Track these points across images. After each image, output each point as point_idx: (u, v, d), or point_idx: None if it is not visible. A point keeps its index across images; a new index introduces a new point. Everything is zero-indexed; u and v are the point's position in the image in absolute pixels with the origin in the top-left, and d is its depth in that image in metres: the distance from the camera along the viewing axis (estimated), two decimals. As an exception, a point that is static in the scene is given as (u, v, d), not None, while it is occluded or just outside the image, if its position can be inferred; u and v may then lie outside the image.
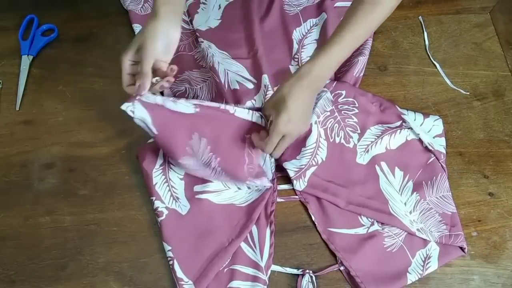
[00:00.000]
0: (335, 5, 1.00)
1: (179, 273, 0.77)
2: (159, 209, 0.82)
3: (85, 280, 0.79)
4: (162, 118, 0.74)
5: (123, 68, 0.72)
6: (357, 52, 0.95)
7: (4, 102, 0.92)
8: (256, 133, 0.79)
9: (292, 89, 0.72)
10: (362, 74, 0.95)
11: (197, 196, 0.82)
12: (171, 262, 0.78)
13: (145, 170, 0.83)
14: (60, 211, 0.83)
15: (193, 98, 0.91)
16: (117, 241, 0.81)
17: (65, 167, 0.87)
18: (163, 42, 0.71)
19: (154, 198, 0.82)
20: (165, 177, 0.83)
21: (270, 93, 0.88)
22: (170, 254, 0.79)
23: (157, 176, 0.83)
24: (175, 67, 0.73)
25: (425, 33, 1.02)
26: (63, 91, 0.94)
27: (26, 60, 0.95)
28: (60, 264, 0.80)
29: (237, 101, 0.88)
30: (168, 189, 0.83)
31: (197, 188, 0.83)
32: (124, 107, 0.71)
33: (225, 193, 0.83)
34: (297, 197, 0.85)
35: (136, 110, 0.72)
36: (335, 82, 0.91)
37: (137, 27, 0.98)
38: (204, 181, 0.83)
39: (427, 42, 1.01)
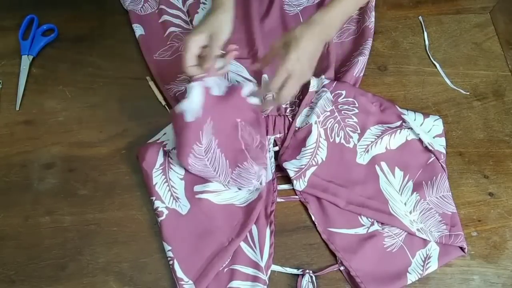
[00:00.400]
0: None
1: (179, 273, 0.77)
2: (159, 209, 0.81)
3: (85, 280, 0.79)
4: (209, 103, 0.77)
5: (190, 48, 0.75)
6: (357, 52, 0.95)
7: (4, 102, 0.92)
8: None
9: (304, 33, 0.74)
10: (362, 74, 0.95)
11: (197, 196, 0.82)
12: (171, 262, 0.78)
13: (145, 170, 0.83)
14: (60, 211, 0.83)
15: None
16: (117, 241, 0.81)
17: (65, 167, 0.87)
18: (229, 32, 0.77)
19: (154, 198, 0.82)
20: (165, 177, 0.83)
21: (270, 93, 0.87)
22: (170, 254, 0.79)
23: (157, 176, 0.83)
24: (233, 46, 0.79)
25: (425, 33, 1.02)
26: (63, 91, 0.94)
27: (26, 60, 0.95)
28: (60, 264, 0.80)
29: None
30: (168, 189, 0.83)
31: (197, 188, 0.83)
32: (192, 86, 0.75)
33: (225, 193, 0.83)
34: (297, 197, 0.85)
35: (195, 90, 0.76)
36: (335, 82, 0.91)
37: (137, 27, 0.98)
38: (204, 181, 0.83)
39: (427, 42, 1.01)
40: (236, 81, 0.91)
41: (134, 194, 0.85)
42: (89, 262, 0.80)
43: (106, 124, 0.91)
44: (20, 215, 0.83)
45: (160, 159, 0.84)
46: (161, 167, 0.84)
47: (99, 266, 0.80)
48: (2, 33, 0.99)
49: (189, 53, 0.75)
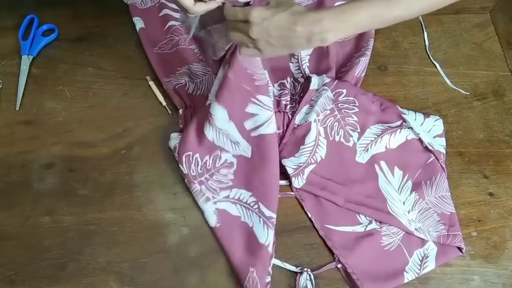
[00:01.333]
0: (335, 5, 1.00)
1: (268, 212, 0.79)
2: (228, 161, 0.83)
3: (85, 280, 0.79)
4: None
5: None
6: (359, 52, 0.96)
7: (4, 102, 0.92)
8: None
9: (297, 12, 0.62)
10: (363, 75, 0.95)
11: (252, 135, 0.82)
12: (255, 207, 0.80)
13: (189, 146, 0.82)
14: (60, 211, 0.83)
15: (192, 92, 0.91)
16: (117, 241, 0.81)
17: (65, 167, 0.87)
18: None
19: (219, 151, 0.82)
20: (215, 130, 0.81)
21: (270, 88, 0.87)
22: (253, 198, 0.81)
23: (210, 132, 0.81)
24: None
25: (425, 33, 1.02)
26: (63, 91, 0.94)
27: (26, 60, 0.95)
28: (60, 264, 0.80)
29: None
30: (225, 138, 0.83)
31: (247, 124, 0.82)
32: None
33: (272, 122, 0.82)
34: (293, 193, 0.85)
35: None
36: (336, 80, 0.91)
37: (137, 20, 0.98)
38: (249, 115, 0.81)
39: (427, 42, 1.01)
40: None
41: (134, 194, 0.85)
42: (89, 262, 0.80)
43: (106, 124, 0.91)
44: (20, 215, 0.83)
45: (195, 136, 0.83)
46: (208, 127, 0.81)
47: (99, 266, 0.80)
48: (2, 33, 0.99)
49: None
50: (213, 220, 0.81)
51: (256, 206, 0.81)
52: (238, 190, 0.83)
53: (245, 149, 0.83)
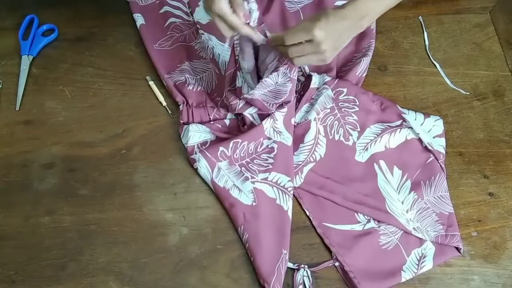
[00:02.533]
0: (335, 4, 1.00)
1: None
2: (269, 146, 0.86)
3: (85, 280, 0.79)
4: None
5: (230, 14, 0.72)
6: (361, 53, 0.96)
7: (4, 102, 0.92)
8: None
9: (336, 13, 0.69)
10: (364, 75, 0.95)
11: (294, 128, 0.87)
12: (292, 192, 0.84)
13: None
14: (60, 211, 0.83)
15: (193, 88, 0.91)
16: (117, 241, 0.81)
17: (65, 167, 0.87)
18: None
19: (262, 138, 0.86)
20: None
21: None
22: (290, 184, 0.83)
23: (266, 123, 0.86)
24: None
25: (425, 33, 1.02)
26: (63, 91, 0.94)
27: (26, 60, 0.95)
28: (60, 264, 0.80)
29: (237, 94, 0.88)
30: (270, 126, 0.86)
31: (292, 120, 0.87)
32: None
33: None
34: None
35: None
36: (337, 79, 0.91)
37: (138, 17, 0.98)
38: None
39: (427, 42, 1.01)
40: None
41: (134, 194, 0.85)
42: (89, 262, 0.80)
43: (106, 124, 0.91)
44: (20, 215, 0.83)
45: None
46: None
47: (99, 266, 0.80)
48: (2, 33, 0.99)
49: (229, 14, 0.72)
50: (249, 199, 0.82)
51: (293, 193, 0.84)
52: (277, 174, 0.84)
53: (286, 138, 0.86)
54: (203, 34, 0.96)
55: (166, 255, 0.80)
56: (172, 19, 0.99)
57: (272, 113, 0.86)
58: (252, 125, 0.87)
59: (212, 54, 0.94)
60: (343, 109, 0.90)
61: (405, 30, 1.02)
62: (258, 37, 0.76)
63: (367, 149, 0.88)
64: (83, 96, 0.93)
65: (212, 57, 0.94)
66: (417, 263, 0.80)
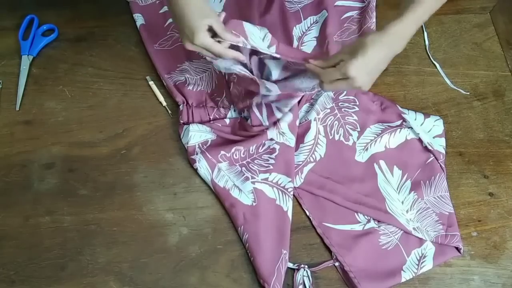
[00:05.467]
0: (335, 4, 1.00)
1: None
2: (271, 147, 0.85)
3: (85, 280, 0.79)
4: None
5: (212, 44, 0.73)
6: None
7: (4, 102, 0.92)
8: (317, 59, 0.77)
9: (375, 41, 0.69)
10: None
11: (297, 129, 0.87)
12: (292, 192, 0.83)
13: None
14: (60, 211, 0.83)
15: (193, 88, 0.91)
16: (117, 241, 0.81)
17: (65, 167, 0.87)
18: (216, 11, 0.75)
19: (264, 140, 0.86)
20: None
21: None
22: (291, 184, 0.83)
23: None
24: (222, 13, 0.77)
25: (425, 33, 1.02)
26: (63, 91, 0.94)
27: (26, 60, 0.95)
28: (60, 264, 0.80)
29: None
30: (276, 128, 0.86)
31: (297, 121, 0.87)
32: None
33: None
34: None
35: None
36: (337, 79, 0.91)
37: (138, 17, 0.98)
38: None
39: (427, 42, 1.01)
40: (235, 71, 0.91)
41: (134, 194, 0.85)
42: (89, 262, 0.80)
43: (106, 124, 0.91)
44: (20, 215, 0.83)
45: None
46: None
47: (99, 266, 0.80)
48: (2, 33, 0.99)
49: (218, 47, 0.73)
50: (249, 199, 0.82)
51: (293, 192, 0.83)
52: (277, 175, 0.84)
53: (289, 139, 0.86)
54: None
55: (166, 255, 0.80)
56: (172, 19, 0.99)
57: (278, 122, 0.86)
58: (258, 125, 0.87)
59: None
60: (343, 109, 0.90)
61: (405, 30, 1.02)
62: (244, 57, 0.77)
63: (367, 149, 0.88)
64: (83, 96, 0.93)
65: None
66: (417, 263, 0.80)
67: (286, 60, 0.80)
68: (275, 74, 0.82)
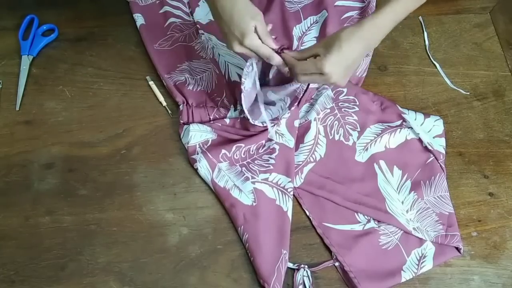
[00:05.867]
0: (335, 4, 1.00)
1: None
2: (271, 147, 0.85)
3: (85, 280, 0.79)
4: None
5: (261, 46, 0.72)
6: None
7: (4, 102, 0.92)
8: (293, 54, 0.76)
9: (350, 36, 0.69)
10: (364, 75, 0.95)
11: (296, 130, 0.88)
12: (292, 193, 0.83)
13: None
14: (60, 211, 0.83)
15: (193, 88, 0.92)
16: (117, 241, 0.81)
17: (65, 167, 0.87)
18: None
19: (264, 141, 0.86)
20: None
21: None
22: (291, 185, 0.83)
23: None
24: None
25: (425, 33, 1.02)
26: (63, 91, 0.94)
27: (26, 60, 0.95)
28: (60, 264, 0.80)
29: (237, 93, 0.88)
30: (274, 126, 0.87)
31: (296, 122, 0.88)
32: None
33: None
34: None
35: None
36: (337, 80, 0.91)
37: (138, 17, 0.98)
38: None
39: (427, 42, 1.01)
40: (237, 73, 0.92)
41: (134, 194, 0.85)
42: (89, 262, 0.80)
43: (106, 124, 0.91)
44: (20, 215, 0.83)
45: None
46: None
47: (99, 266, 0.80)
48: (2, 33, 0.99)
49: (264, 48, 0.73)
50: (249, 199, 0.82)
51: (293, 193, 0.84)
52: (277, 175, 0.84)
53: (288, 141, 0.86)
54: (203, 34, 0.96)
55: (166, 255, 0.80)
56: (172, 19, 0.99)
57: (278, 119, 0.87)
58: (258, 127, 0.87)
59: (212, 54, 0.94)
60: (343, 109, 0.90)
61: (405, 30, 1.02)
62: (285, 68, 0.77)
63: (367, 149, 0.88)
64: (83, 96, 0.93)
65: (212, 57, 0.94)
66: (417, 263, 0.80)
67: None
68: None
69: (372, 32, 0.71)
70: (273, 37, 0.75)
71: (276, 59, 0.74)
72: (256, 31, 0.71)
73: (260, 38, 0.72)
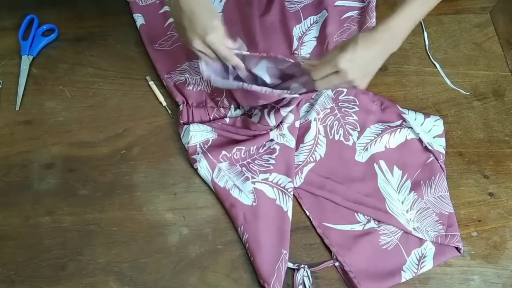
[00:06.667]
0: (335, 4, 1.00)
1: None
2: (271, 147, 0.85)
3: (85, 280, 0.79)
4: None
5: (220, 44, 0.72)
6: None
7: (4, 102, 0.92)
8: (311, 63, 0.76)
9: (366, 38, 0.69)
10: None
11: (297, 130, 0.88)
12: (292, 193, 0.83)
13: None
14: (60, 211, 0.83)
15: (193, 88, 0.92)
16: (117, 241, 0.81)
17: (65, 167, 0.87)
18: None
19: (264, 141, 0.86)
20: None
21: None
22: (291, 185, 0.83)
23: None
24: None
25: (425, 33, 1.02)
26: (63, 91, 0.94)
27: (26, 60, 0.95)
28: (60, 264, 0.80)
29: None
30: (278, 129, 0.86)
31: (297, 122, 0.88)
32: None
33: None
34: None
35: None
36: (337, 80, 0.91)
37: (138, 17, 0.98)
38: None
39: (427, 42, 1.01)
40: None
41: (134, 194, 0.85)
42: (89, 262, 0.80)
43: (106, 124, 0.91)
44: (20, 215, 0.83)
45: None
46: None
47: (99, 266, 0.80)
48: (2, 33, 0.99)
49: (230, 53, 0.73)
50: (249, 199, 0.82)
51: (293, 193, 0.84)
52: (278, 175, 0.84)
53: (289, 141, 0.86)
54: None
55: (166, 255, 0.80)
56: (172, 19, 0.99)
57: (281, 123, 0.87)
58: (265, 125, 0.87)
59: None
60: (343, 109, 0.90)
61: (405, 30, 1.02)
62: (243, 66, 0.77)
63: (367, 149, 0.88)
64: (83, 96, 0.93)
65: None
66: (417, 263, 0.80)
67: (274, 62, 0.79)
68: (268, 79, 0.81)
69: (389, 35, 0.70)
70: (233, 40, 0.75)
71: (234, 61, 0.74)
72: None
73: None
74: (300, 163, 0.86)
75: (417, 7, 0.70)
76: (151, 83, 0.94)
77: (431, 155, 0.88)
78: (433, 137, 0.89)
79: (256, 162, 0.86)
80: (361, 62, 0.69)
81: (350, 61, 0.68)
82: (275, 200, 0.83)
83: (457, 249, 0.82)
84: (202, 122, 0.89)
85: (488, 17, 1.04)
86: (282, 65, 0.79)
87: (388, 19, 0.69)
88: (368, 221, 0.83)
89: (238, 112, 0.90)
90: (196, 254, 0.81)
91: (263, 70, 0.80)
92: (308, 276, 0.78)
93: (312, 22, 0.98)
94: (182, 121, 0.89)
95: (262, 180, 0.84)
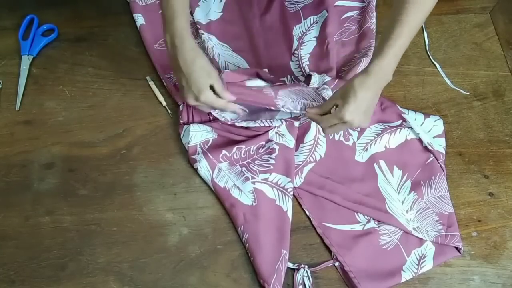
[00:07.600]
0: (335, 4, 1.00)
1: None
2: (271, 147, 0.85)
3: (85, 280, 0.79)
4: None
5: (215, 100, 0.80)
6: (361, 53, 0.96)
7: (4, 102, 0.92)
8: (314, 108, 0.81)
9: (362, 83, 0.74)
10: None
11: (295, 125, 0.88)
12: (292, 193, 0.83)
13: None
14: (60, 211, 0.83)
15: None
16: (117, 241, 0.81)
17: (65, 167, 0.87)
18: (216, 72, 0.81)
19: (264, 142, 0.87)
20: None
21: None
22: (290, 185, 0.83)
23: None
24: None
25: (425, 33, 1.02)
26: (63, 91, 0.94)
27: (26, 60, 0.95)
28: (60, 264, 0.80)
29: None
30: (274, 130, 0.87)
31: (296, 122, 0.88)
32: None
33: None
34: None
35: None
36: (337, 79, 0.91)
37: (138, 17, 0.98)
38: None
39: (427, 42, 1.01)
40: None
41: (134, 194, 0.85)
42: (89, 262, 0.80)
43: (106, 124, 0.91)
44: (20, 215, 0.83)
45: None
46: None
47: (99, 266, 0.80)
48: (2, 33, 0.99)
49: (219, 102, 0.80)
50: (249, 199, 0.82)
51: (293, 193, 0.84)
52: (277, 175, 0.84)
53: (288, 141, 0.86)
54: (203, 34, 0.96)
55: (166, 255, 0.80)
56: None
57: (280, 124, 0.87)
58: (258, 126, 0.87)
59: (212, 54, 0.94)
60: (343, 109, 0.90)
61: (405, 30, 1.02)
62: (241, 111, 0.85)
63: (367, 149, 0.88)
64: (83, 96, 0.93)
65: (212, 57, 0.94)
66: (417, 263, 0.80)
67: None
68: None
69: (380, 75, 0.74)
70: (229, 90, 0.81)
71: (230, 108, 0.82)
72: (212, 88, 0.78)
73: (217, 94, 0.79)
74: (300, 163, 0.86)
75: (404, 41, 0.75)
76: (151, 83, 0.94)
77: (431, 155, 0.88)
78: (433, 137, 0.89)
79: (256, 162, 0.86)
80: (362, 107, 0.74)
81: (353, 112, 0.73)
82: (275, 200, 0.83)
83: (457, 249, 0.82)
84: (202, 122, 0.89)
85: (488, 17, 1.04)
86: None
87: (378, 58, 0.74)
88: (368, 221, 0.83)
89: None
90: (196, 254, 0.81)
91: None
92: (308, 276, 0.78)
93: (312, 22, 0.98)
94: (182, 121, 0.89)
95: (262, 180, 0.84)
